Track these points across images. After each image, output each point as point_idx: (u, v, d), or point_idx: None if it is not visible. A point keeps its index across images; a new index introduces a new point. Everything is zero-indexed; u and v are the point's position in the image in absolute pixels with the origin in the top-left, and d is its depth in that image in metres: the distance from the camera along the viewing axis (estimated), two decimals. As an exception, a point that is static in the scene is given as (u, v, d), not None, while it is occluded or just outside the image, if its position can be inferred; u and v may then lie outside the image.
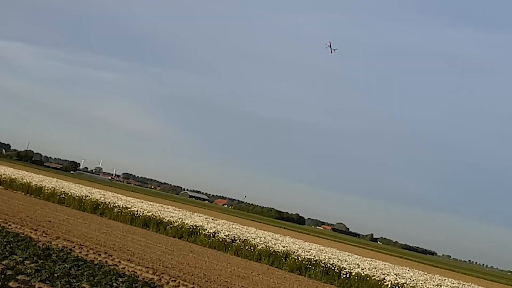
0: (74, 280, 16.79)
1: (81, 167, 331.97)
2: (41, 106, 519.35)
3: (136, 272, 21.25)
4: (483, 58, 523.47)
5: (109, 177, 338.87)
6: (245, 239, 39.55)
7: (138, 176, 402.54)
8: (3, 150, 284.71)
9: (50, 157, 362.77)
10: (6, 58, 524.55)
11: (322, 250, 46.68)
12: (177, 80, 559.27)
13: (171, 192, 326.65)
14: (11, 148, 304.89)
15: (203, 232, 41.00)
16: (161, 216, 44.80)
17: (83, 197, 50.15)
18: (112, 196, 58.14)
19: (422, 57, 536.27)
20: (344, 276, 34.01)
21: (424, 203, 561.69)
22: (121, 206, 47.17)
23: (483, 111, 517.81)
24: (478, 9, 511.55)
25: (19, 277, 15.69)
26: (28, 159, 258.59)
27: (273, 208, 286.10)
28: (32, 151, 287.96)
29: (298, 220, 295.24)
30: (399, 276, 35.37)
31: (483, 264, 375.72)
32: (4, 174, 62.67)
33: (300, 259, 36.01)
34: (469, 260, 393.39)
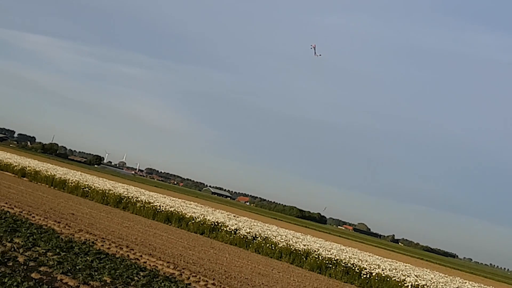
0: (96, 273, 16.93)
1: (105, 161, 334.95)
2: (67, 100, 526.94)
3: (157, 267, 21.37)
4: None
5: (133, 172, 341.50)
6: (266, 237, 39.57)
7: (161, 172, 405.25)
8: (29, 143, 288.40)
9: (75, 151, 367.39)
10: (34, 52, 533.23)
11: (343, 249, 46.56)
12: (202, 77, 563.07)
13: (193, 188, 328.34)
14: (36, 140, 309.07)
15: (225, 229, 41.10)
16: (183, 212, 45.00)
17: (107, 191, 50.58)
18: (135, 191, 58.59)
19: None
20: (365, 276, 33.85)
21: (446, 206, 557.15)
22: (143, 201, 47.50)
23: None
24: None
25: (41, 268, 15.86)
26: (53, 152, 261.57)
27: (295, 207, 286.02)
28: (57, 144, 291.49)
29: (319, 219, 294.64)
30: (420, 278, 35.10)
31: (505, 268, 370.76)
32: (29, 166, 63.46)
33: (320, 258, 35.92)
34: (491, 264, 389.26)
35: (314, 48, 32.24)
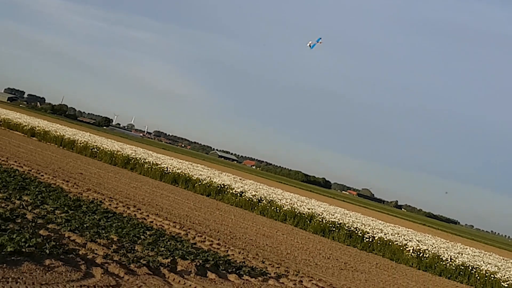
0: (103, 231, 17.31)
1: (113, 123, 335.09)
2: (77, 62, 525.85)
3: (163, 226, 21.79)
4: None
5: (141, 134, 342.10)
6: (271, 200, 40.03)
7: (169, 135, 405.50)
8: (38, 103, 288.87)
9: (84, 112, 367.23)
10: (45, 14, 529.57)
11: (347, 214, 47.06)
12: (212, 43, 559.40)
13: (200, 152, 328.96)
14: (46, 101, 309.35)
15: (231, 191, 41.57)
16: (190, 174, 45.46)
17: (115, 152, 51.05)
18: (143, 152, 59.03)
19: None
20: (367, 240, 34.38)
21: (449, 173, 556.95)
22: (151, 162, 47.98)
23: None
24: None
25: (49, 226, 16.22)
26: (62, 113, 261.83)
27: (300, 171, 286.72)
28: (66, 105, 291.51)
29: (324, 184, 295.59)
30: (421, 243, 35.57)
31: (506, 235, 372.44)
32: (38, 127, 63.89)
33: (324, 221, 36.41)
34: (492, 231, 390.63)
35: (310, 45, 31.48)
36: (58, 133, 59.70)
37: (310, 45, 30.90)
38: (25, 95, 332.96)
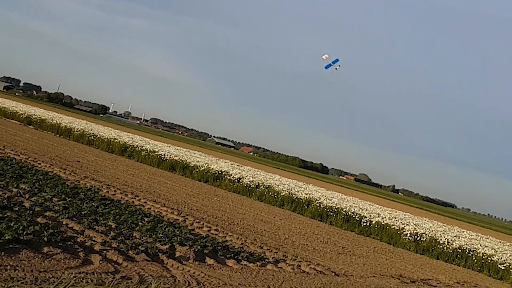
0: (101, 218, 17.35)
1: (110, 111, 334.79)
2: (73, 50, 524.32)
3: (161, 213, 21.84)
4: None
5: (138, 122, 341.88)
6: (269, 186, 40.11)
7: (166, 122, 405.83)
8: (34, 92, 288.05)
9: (80, 100, 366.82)
10: (40, 2, 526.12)
11: (344, 198, 47.16)
12: (209, 30, 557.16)
13: (198, 138, 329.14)
14: (42, 90, 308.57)
15: (228, 177, 41.62)
16: (187, 161, 45.48)
17: (112, 140, 51.02)
18: (140, 140, 59.04)
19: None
20: (365, 224, 34.51)
21: (446, 157, 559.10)
22: (148, 150, 47.98)
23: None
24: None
25: (47, 213, 16.24)
26: (59, 101, 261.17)
27: (297, 157, 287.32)
28: (63, 94, 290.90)
29: (321, 169, 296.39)
30: (419, 227, 35.72)
31: (502, 218, 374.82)
32: (34, 115, 63.68)
33: (322, 206, 36.51)
34: (488, 214, 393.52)
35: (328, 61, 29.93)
36: (55, 121, 59.55)
37: (325, 58, 29.83)
38: (21, 84, 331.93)
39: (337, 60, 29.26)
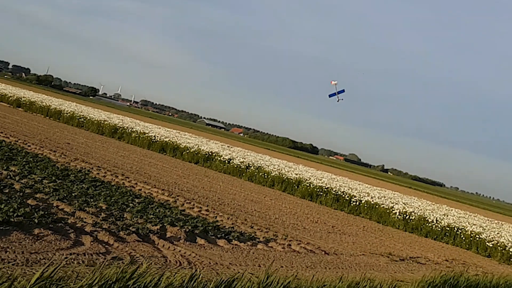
0: (92, 200, 17.41)
1: (100, 93, 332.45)
2: (62, 32, 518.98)
3: (152, 194, 21.92)
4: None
5: (128, 104, 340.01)
6: (259, 166, 40.26)
7: (156, 104, 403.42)
8: (23, 74, 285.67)
9: (70, 82, 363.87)
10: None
11: (334, 178, 47.46)
12: (199, 11, 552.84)
13: (188, 120, 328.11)
14: (31, 72, 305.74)
15: (219, 158, 41.73)
16: (178, 142, 45.51)
17: (102, 122, 50.83)
18: (130, 122, 58.90)
19: None
20: (354, 203, 34.76)
21: (434, 137, 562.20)
22: (139, 131, 47.89)
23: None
24: None
25: (37, 195, 16.26)
26: (48, 83, 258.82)
27: (288, 138, 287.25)
28: (52, 76, 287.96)
29: (311, 150, 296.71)
30: (407, 205, 36.12)
31: (490, 197, 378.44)
32: (24, 97, 63.31)
33: (312, 186, 36.73)
34: (476, 193, 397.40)
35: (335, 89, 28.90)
36: (44, 104, 59.19)
37: (333, 84, 29.14)
38: (10, 66, 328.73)
39: (342, 91, 29.03)
